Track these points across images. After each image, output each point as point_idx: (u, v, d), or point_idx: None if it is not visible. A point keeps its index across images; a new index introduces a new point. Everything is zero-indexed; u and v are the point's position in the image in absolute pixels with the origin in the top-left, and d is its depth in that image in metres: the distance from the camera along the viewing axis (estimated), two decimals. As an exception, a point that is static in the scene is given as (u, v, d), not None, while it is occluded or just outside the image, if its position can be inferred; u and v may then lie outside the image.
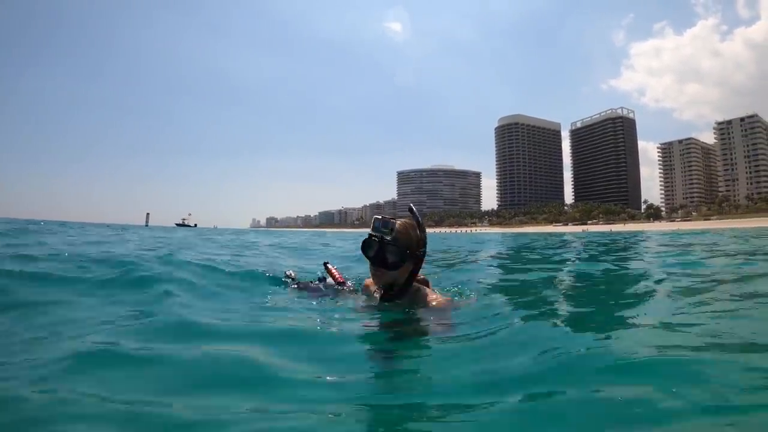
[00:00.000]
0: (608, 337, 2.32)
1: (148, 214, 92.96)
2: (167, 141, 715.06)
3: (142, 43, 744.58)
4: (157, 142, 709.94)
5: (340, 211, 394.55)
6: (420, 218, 2.87)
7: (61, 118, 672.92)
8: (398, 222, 2.82)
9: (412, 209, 2.93)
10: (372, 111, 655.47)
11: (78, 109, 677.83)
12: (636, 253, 10.67)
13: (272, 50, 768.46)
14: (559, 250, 12.13)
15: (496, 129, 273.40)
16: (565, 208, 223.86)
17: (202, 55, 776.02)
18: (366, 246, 2.79)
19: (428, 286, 3.07)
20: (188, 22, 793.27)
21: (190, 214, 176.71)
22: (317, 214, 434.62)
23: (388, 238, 2.70)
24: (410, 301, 2.83)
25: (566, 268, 6.98)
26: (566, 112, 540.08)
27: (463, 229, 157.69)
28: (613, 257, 9.34)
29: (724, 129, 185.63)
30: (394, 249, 2.69)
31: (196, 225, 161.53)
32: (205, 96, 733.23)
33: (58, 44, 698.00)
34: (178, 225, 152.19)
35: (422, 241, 2.82)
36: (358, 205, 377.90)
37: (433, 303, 2.77)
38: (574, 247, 13.52)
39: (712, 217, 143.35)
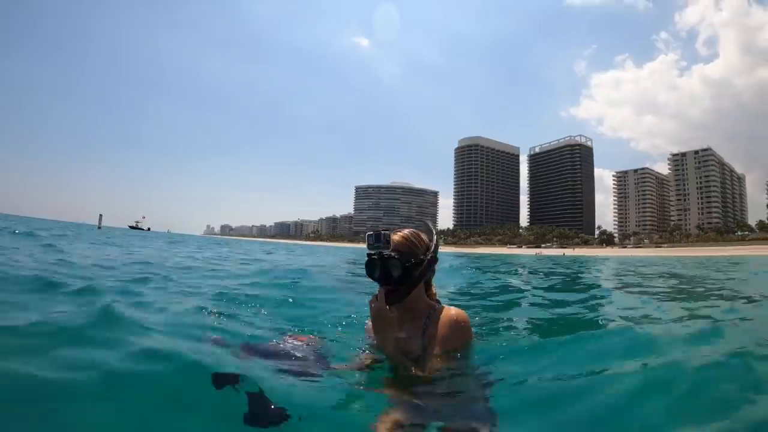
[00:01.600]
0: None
1: (101, 215, 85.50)
2: (125, 139, 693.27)
3: (109, 35, 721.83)
4: (114, 140, 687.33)
5: (296, 222, 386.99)
6: (432, 226, 2.64)
7: (17, 108, 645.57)
8: (398, 233, 2.53)
9: (426, 222, 2.70)
10: (334, 124, 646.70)
11: (35, 98, 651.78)
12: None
13: (241, 54, 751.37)
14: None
15: (455, 150, 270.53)
16: (521, 230, 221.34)
17: (171, 54, 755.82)
18: (369, 268, 2.45)
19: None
20: (158, 20, 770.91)
21: (144, 217, 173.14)
22: (273, 224, 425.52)
23: (387, 252, 2.39)
24: (415, 312, 2.50)
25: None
26: (525, 137, 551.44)
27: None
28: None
29: (678, 160, 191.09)
30: (397, 262, 2.38)
31: (149, 229, 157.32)
32: (168, 95, 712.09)
33: (18, 30, 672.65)
34: (131, 228, 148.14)
35: (430, 246, 2.53)
36: (315, 217, 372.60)
37: (452, 312, 2.46)
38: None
39: (663, 245, 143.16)
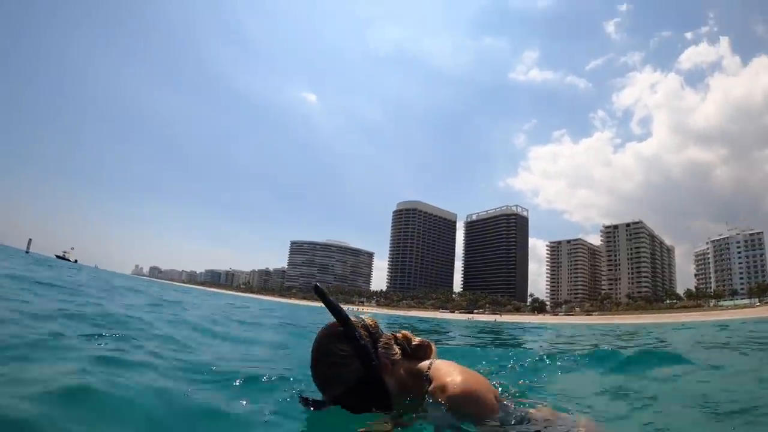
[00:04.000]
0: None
1: (30, 239, 77.19)
2: (61, 162, 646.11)
3: (53, 56, 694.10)
4: (48, 165, 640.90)
5: (227, 272, 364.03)
6: (334, 308, 1.95)
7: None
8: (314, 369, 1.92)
9: (320, 291, 1.95)
10: (274, 175, 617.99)
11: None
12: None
13: (189, 89, 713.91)
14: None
15: (394, 212, 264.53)
16: (454, 295, 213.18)
17: (116, 81, 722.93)
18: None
19: (430, 354, 2.03)
20: (106, 39, 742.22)
21: (72, 248, 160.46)
22: (204, 271, 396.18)
23: (324, 406, 1.91)
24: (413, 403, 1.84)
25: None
26: (463, 204, 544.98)
27: (350, 307, 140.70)
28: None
29: (610, 232, 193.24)
30: (346, 398, 1.85)
31: (76, 261, 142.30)
32: (110, 122, 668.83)
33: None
34: (58, 257, 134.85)
35: (361, 355, 1.86)
36: (247, 268, 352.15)
37: (446, 390, 1.68)
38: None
39: (593, 313, 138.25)
